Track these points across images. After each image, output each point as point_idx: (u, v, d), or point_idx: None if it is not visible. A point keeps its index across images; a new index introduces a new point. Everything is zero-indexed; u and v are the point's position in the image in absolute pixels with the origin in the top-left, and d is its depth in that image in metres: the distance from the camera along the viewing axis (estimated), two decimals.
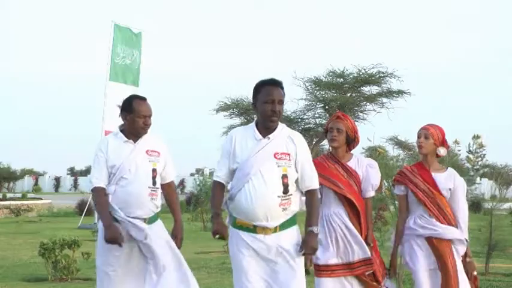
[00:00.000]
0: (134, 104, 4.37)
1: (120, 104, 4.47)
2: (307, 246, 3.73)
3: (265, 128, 3.82)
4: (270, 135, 3.79)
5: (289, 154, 3.77)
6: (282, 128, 3.86)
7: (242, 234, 3.76)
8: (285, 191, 3.72)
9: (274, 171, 3.72)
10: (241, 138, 3.84)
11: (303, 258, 3.85)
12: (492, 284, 7.98)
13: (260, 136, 3.80)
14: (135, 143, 4.36)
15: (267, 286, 3.73)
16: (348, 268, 4.42)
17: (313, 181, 3.86)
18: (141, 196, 4.27)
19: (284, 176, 3.72)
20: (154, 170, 4.36)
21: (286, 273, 3.72)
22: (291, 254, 3.73)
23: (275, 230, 3.73)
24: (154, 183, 4.35)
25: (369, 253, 4.44)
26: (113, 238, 4.13)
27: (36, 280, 8.01)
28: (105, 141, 4.40)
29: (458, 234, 4.56)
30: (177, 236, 4.49)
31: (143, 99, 4.45)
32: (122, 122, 4.44)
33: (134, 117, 4.34)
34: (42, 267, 8.26)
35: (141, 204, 4.28)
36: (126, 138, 4.36)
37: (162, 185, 4.47)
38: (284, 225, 3.75)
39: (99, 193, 4.26)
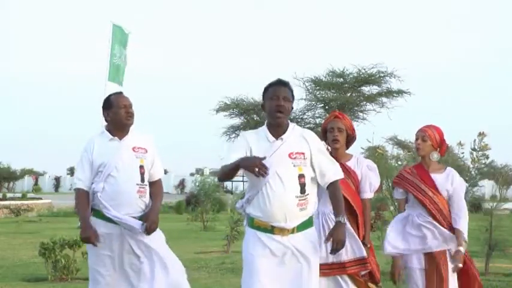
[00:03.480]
0: (112, 99, 4.45)
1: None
2: (334, 239, 3.70)
3: (275, 128, 3.81)
4: (282, 136, 3.79)
5: (303, 153, 3.75)
6: (293, 127, 3.86)
7: (259, 234, 3.73)
8: (302, 190, 3.70)
9: (290, 172, 3.71)
10: (255, 141, 3.82)
11: (317, 260, 3.82)
12: (492, 284, 7.96)
13: (273, 138, 3.80)
14: (120, 140, 4.37)
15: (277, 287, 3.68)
16: (341, 267, 4.34)
17: (335, 173, 3.85)
18: (130, 193, 4.27)
19: (301, 176, 3.71)
20: (141, 167, 4.35)
21: (298, 276, 3.69)
22: (306, 256, 3.72)
23: (292, 231, 3.71)
24: (142, 179, 4.35)
25: (364, 253, 4.37)
26: (86, 238, 4.20)
27: (36, 280, 8.01)
28: (90, 141, 4.40)
29: (453, 245, 4.52)
30: (148, 217, 4.27)
31: (119, 93, 4.57)
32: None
33: (116, 110, 4.38)
34: (42, 267, 8.27)
35: (130, 201, 4.26)
36: (111, 136, 4.38)
37: (149, 183, 4.44)
38: (301, 227, 3.74)
39: (79, 194, 4.31)
